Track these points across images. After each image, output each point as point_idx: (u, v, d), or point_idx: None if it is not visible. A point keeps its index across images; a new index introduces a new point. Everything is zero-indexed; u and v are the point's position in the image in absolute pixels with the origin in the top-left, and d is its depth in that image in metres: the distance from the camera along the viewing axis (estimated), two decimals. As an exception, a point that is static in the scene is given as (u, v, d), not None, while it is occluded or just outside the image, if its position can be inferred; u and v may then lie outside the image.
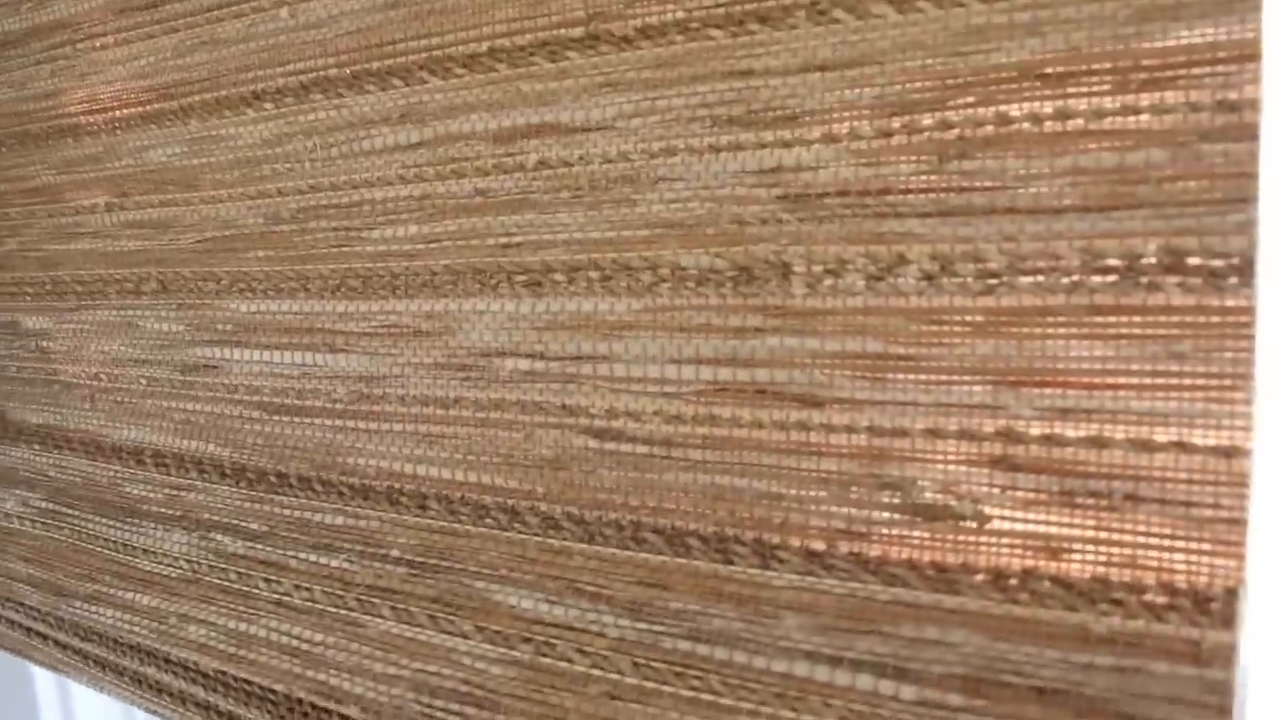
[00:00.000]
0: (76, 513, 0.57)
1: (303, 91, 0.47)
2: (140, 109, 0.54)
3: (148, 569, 0.52)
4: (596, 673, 0.35)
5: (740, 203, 0.35)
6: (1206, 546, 0.28)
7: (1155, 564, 0.28)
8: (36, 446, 0.61)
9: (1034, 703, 0.28)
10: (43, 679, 0.75)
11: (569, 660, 0.36)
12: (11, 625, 0.57)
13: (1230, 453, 0.27)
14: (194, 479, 0.51)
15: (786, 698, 0.31)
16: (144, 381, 0.53)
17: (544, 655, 0.36)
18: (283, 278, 0.46)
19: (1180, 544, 0.28)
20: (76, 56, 0.56)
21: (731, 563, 0.34)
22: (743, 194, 0.35)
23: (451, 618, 0.39)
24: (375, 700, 0.40)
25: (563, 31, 0.40)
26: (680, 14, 0.37)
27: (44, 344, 0.58)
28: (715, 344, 0.35)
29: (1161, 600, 0.28)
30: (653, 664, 0.34)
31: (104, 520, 0.55)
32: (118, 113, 0.55)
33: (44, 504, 0.59)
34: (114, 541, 0.54)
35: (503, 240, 0.40)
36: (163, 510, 0.52)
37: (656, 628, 0.34)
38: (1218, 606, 0.27)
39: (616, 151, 0.38)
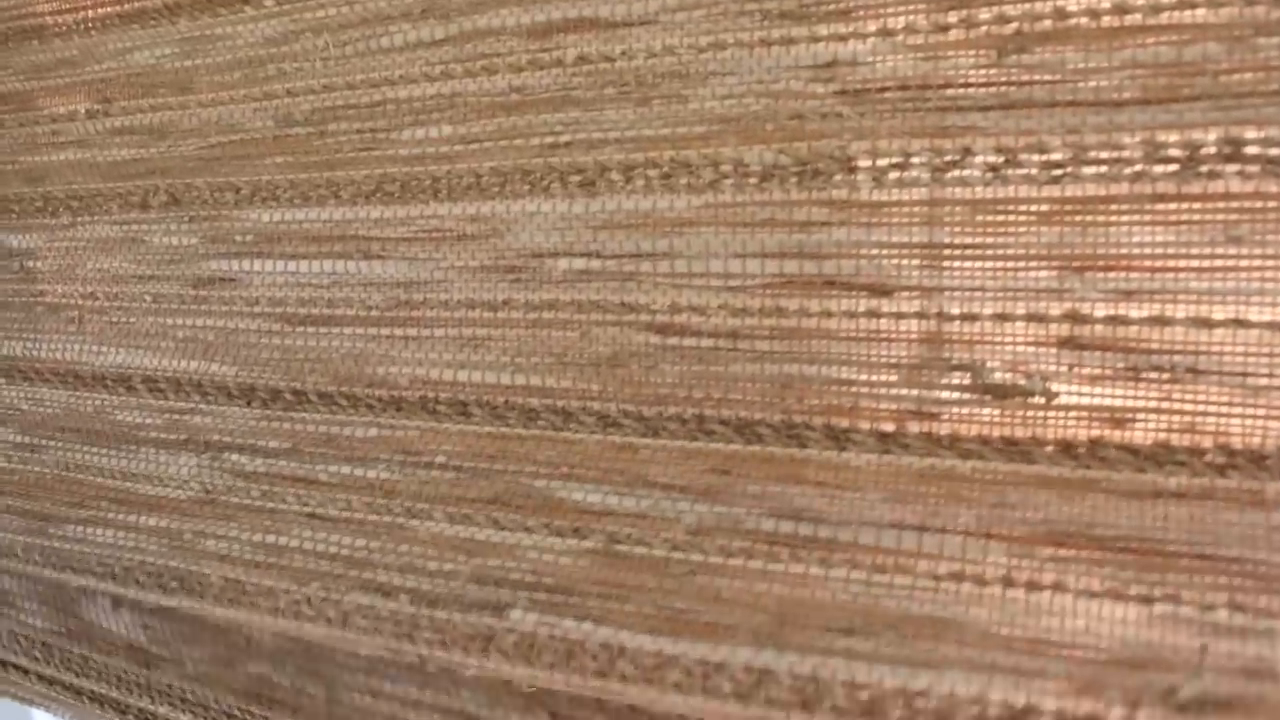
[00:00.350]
0: (59, 444, 0.56)
1: (308, -13, 0.47)
2: (119, 7, 0.52)
3: (152, 493, 0.52)
4: (678, 555, 0.37)
5: (797, 98, 0.37)
6: (1261, 412, 0.31)
7: (1213, 429, 0.32)
8: (3, 380, 0.60)
9: (1119, 550, 0.31)
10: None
11: (647, 546, 0.38)
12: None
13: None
14: (195, 402, 0.52)
15: (877, 565, 0.34)
16: (148, 298, 0.52)
17: (619, 544, 0.39)
18: (310, 185, 0.46)
19: (1237, 410, 0.32)
20: (41, -49, 0.54)
21: (805, 446, 0.37)
22: (799, 89, 0.37)
23: (512, 516, 0.41)
24: (430, 591, 0.41)
25: (600, -76, 0.40)
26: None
27: (30, 264, 0.57)
28: (780, 238, 0.37)
29: (1221, 460, 0.32)
30: (735, 544, 0.36)
31: (94, 450, 0.55)
32: (92, 12, 0.53)
33: (18, 439, 0.58)
34: (108, 470, 0.54)
35: (549, 140, 0.41)
36: (164, 435, 0.52)
37: (736, 510, 0.37)
38: (1273, 462, 0.31)
39: (662, 46, 0.39)
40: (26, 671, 0.59)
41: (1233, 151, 0.31)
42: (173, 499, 0.50)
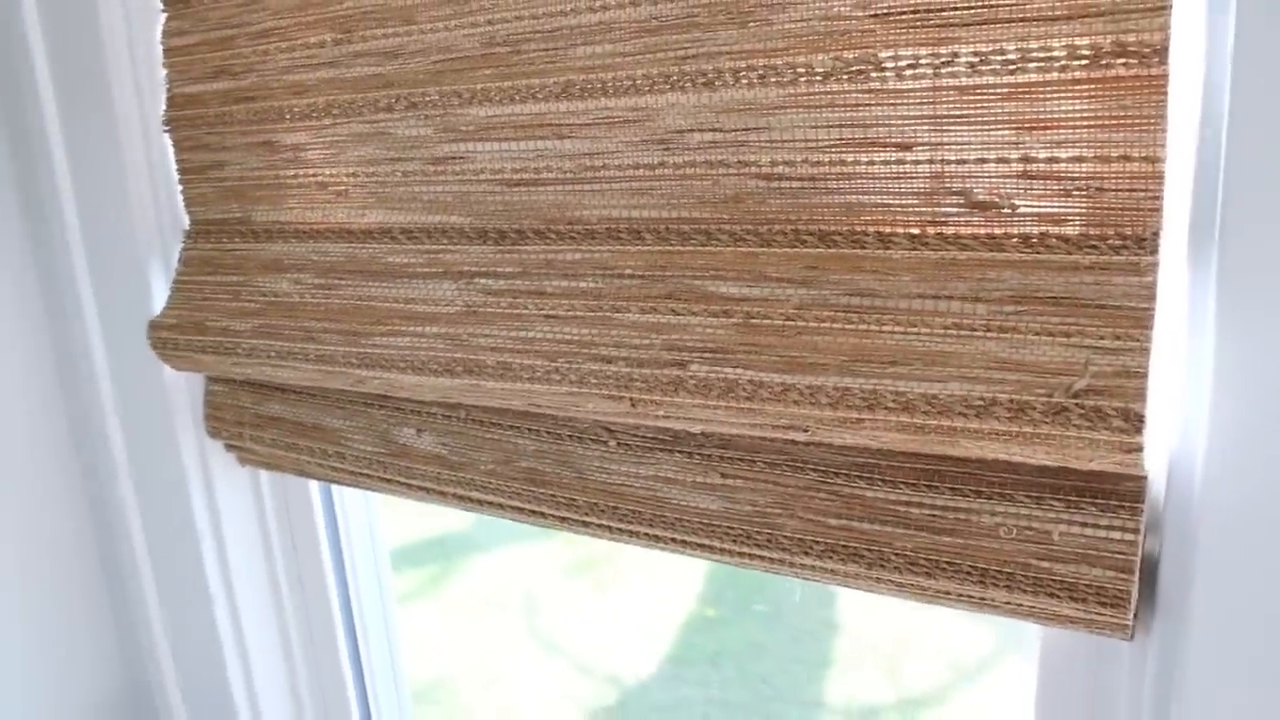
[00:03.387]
0: (349, 283, 0.81)
1: (494, -55, 0.67)
2: (348, -39, 0.73)
3: (429, 310, 0.76)
4: (791, 323, 0.61)
5: (844, 20, 0.57)
6: (1142, 212, 0.52)
7: (1114, 223, 0.53)
8: (293, 240, 0.85)
9: (1052, 304, 0.54)
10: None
11: (769, 318, 0.62)
12: (317, 360, 0.83)
13: (1154, 160, 0.51)
14: (444, 244, 0.76)
15: (910, 322, 0.57)
16: (399, 174, 0.76)
17: (753, 319, 0.62)
18: (514, 89, 0.68)
19: (1128, 213, 0.53)
20: (282, -79, 0.75)
21: (862, 248, 0.60)
22: (845, 13, 0.57)
23: (682, 305, 0.65)
24: (637, 357, 0.66)
25: (701, -102, 0.60)
26: (787, -118, 0.57)
27: (303, 155, 0.81)
28: (839, 114, 0.58)
29: (1117, 243, 0.53)
30: (826, 313, 0.60)
31: (376, 284, 0.79)
32: (328, -36, 0.75)
33: (316, 281, 0.83)
34: (391, 297, 0.78)
35: (680, 53, 0.62)
36: (426, 270, 0.77)
37: (824, 292, 0.60)
38: (1148, 244, 0.53)
39: (753, -15, 0.60)
40: (371, 477, 0.87)
41: (1122, 50, 0.51)
42: (444, 313, 0.75)
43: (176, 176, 0.92)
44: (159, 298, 0.94)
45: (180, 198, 0.93)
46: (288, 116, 0.81)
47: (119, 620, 1.12)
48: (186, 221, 0.94)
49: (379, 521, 1.09)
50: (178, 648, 1.07)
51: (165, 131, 0.91)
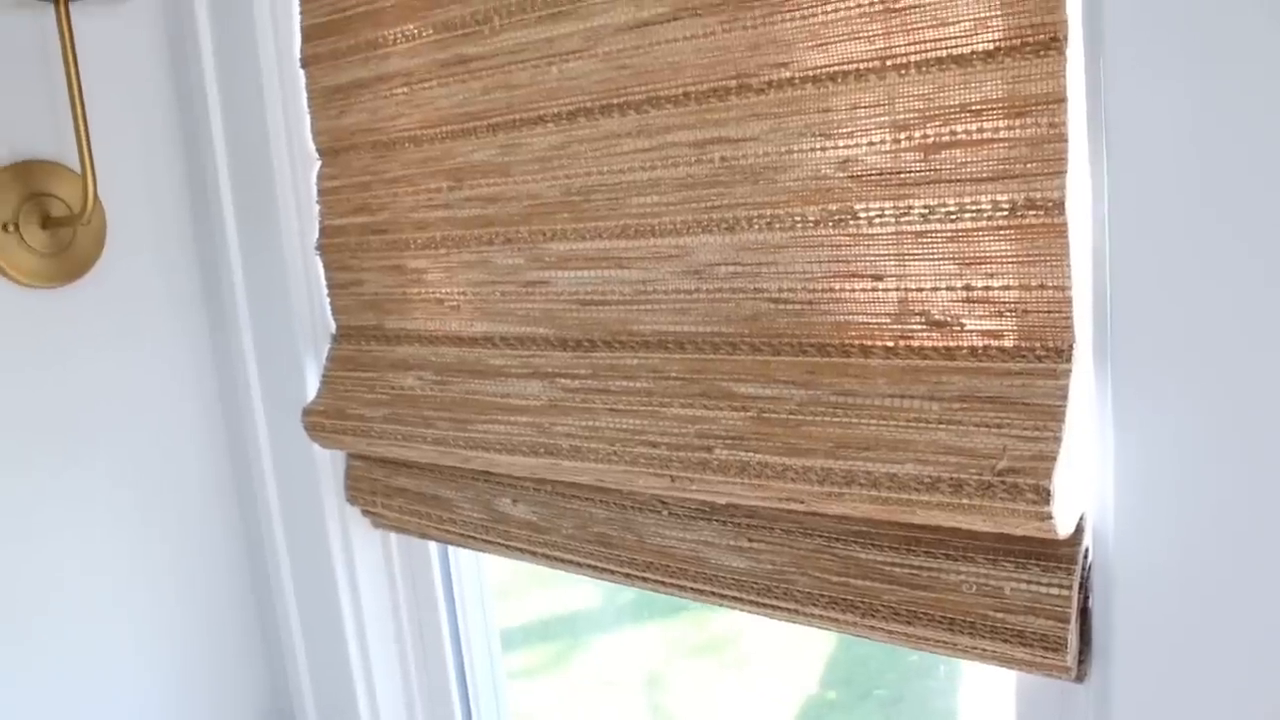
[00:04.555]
0: (459, 380, 1.00)
1: (571, 117, 0.86)
2: (461, 126, 0.93)
3: (520, 404, 0.94)
4: (792, 417, 0.76)
5: (829, 179, 0.73)
6: (1058, 329, 0.67)
7: (1039, 338, 0.67)
8: (416, 345, 1.04)
9: (989, 402, 0.68)
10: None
11: (776, 413, 0.77)
12: (432, 442, 1.02)
13: (1063, 288, 0.65)
14: (534, 350, 0.94)
15: (881, 415, 0.72)
16: (498, 294, 0.95)
17: (764, 413, 0.78)
18: (585, 230, 0.86)
19: (1048, 330, 0.67)
20: (412, 94, 0.96)
21: (849, 357, 0.75)
22: (830, 174, 0.73)
23: (712, 401, 0.81)
24: (675, 443, 0.82)
25: (725, 83, 0.77)
26: (787, 74, 0.74)
27: (424, 277, 1.01)
28: (828, 252, 0.74)
29: (1042, 353, 0.67)
30: (819, 409, 0.75)
31: (480, 381, 0.98)
32: (445, 129, 0.95)
33: (434, 378, 1.02)
34: (492, 393, 0.97)
35: (708, 204, 0.79)
36: (519, 370, 0.95)
37: (819, 392, 0.75)
38: (1065, 354, 0.67)
39: (763, 152, 0.76)
40: (477, 539, 1.06)
41: (1032, 204, 0.66)
42: (532, 406, 0.93)
43: (326, 290, 1.14)
44: (311, 388, 1.15)
45: (329, 308, 1.14)
46: (412, 246, 1.01)
47: (269, 652, 1.32)
48: (333, 327, 1.16)
49: (487, 580, 1.27)
50: (316, 677, 1.26)
51: (318, 254, 1.13)
